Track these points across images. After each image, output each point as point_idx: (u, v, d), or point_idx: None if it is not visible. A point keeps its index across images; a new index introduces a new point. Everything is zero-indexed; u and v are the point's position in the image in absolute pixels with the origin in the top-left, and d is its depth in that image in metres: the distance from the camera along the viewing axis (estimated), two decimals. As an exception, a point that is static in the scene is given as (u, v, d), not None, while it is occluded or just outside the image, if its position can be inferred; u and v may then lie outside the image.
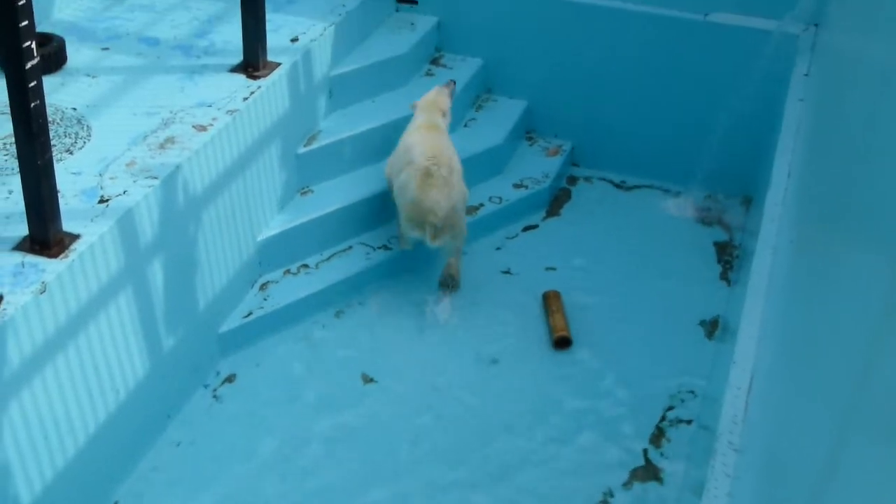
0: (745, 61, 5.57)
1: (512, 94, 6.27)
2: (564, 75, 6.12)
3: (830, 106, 3.87)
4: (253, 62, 5.02)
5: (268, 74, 4.99)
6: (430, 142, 5.03)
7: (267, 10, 5.07)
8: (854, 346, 2.07)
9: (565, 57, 6.06)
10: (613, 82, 6.04)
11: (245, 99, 4.79)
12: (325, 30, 5.47)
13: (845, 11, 4.30)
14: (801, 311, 3.06)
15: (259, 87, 4.89)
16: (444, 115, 5.28)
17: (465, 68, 6.10)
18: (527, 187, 5.85)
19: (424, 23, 6.16)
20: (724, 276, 5.49)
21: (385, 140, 5.52)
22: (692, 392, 4.74)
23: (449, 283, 5.23)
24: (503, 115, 6.12)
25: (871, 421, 1.81)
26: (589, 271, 5.47)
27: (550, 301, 5.14)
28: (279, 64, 5.08)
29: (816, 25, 5.55)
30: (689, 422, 4.59)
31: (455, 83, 5.53)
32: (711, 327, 5.14)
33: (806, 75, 5.16)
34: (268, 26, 5.09)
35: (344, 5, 5.76)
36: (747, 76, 5.55)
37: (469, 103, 6.12)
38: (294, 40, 5.35)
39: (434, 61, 6.21)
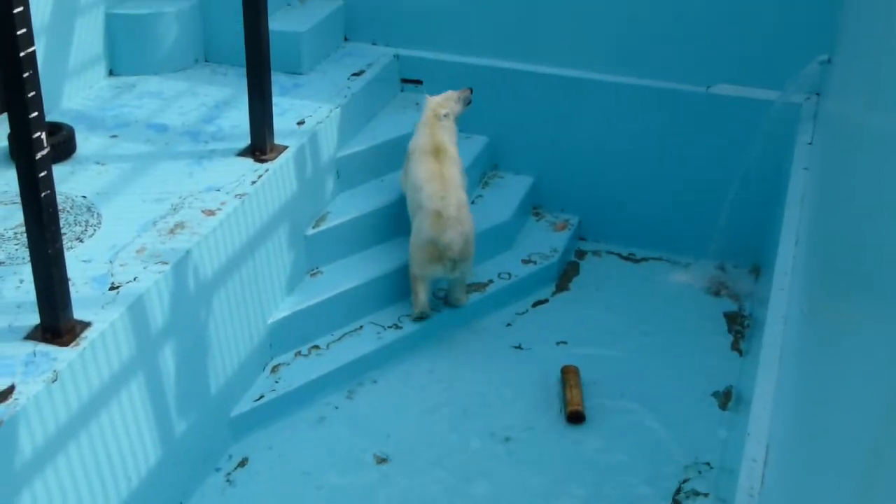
0: (748, 131, 5.62)
1: (518, 171, 6.31)
2: (569, 150, 6.17)
3: (836, 174, 3.88)
4: (260, 146, 5.06)
5: (275, 158, 5.03)
6: (436, 178, 5.17)
7: (273, 95, 5.14)
8: (869, 417, 2.05)
9: (570, 132, 6.12)
10: (619, 156, 6.09)
11: (253, 182, 4.83)
12: (330, 112, 5.53)
13: (846, 80, 4.33)
14: (814, 382, 3.04)
15: (267, 170, 4.93)
16: (445, 119, 5.39)
17: (470, 146, 6.14)
18: (535, 262, 5.86)
19: None
20: (735, 347, 5.46)
21: (394, 219, 5.57)
22: (708, 464, 4.69)
23: (455, 299, 5.40)
24: (510, 191, 6.16)
25: (888, 493, 1.78)
26: (600, 345, 5.45)
27: (568, 375, 5.11)
28: (286, 147, 5.13)
29: (818, 94, 5.60)
30: (705, 494, 4.53)
31: (472, 90, 5.58)
32: (725, 398, 5.10)
33: (810, 144, 5.19)
34: (274, 110, 5.15)
35: (349, 87, 5.83)
36: (752, 146, 5.60)
37: (476, 180, 6.15)
38: (300, 123, 5.41)
39: None
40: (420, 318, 5.33)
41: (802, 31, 5.57)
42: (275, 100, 5.21)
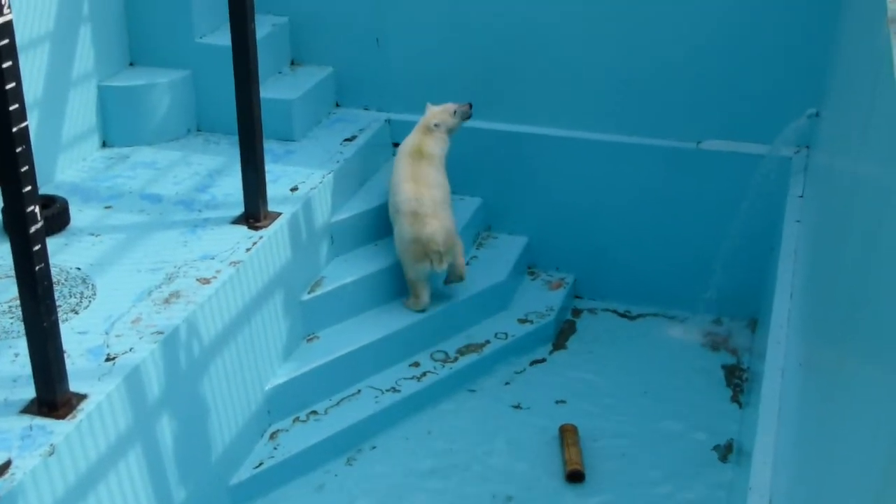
0: (740, 186, 5.62)
1: (512, 231, 6.32)
2: (563, 209, 6.18)
3: (828, 226, 3.89)
4: (254, 213, 5.07)
5: (269, 225, 5.04)
6: (412, 181, 5.38)
7: (266, 162, 5.15)
8: (871, 467, 2.04)
9: (563, 191, 6.14)
10: (613, 213, 6.10)
11: (248, 250, 4.83)
12: (323, 178, 5.54)
13: (836, 132, 4.36)
14: (814, 433, 3.02)
15: (261, 237, 4.93)
16: (436, 129, 5.52)
17: (464, 207, 6.15)
18: (532, 322, 5.85)
19: None
20: (734, 399, 5.43)
21: (389, 283, 5.57)
22: (712, 520, 4.65)
23: (455, 280, 5.57)
24: (504, 251, 6.16)
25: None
26: (599, 403, 5.42)
27: (566, 434, 5.08)
28: (280, 214, 5.14)
29: (808, 147, 5.63)
30: (711, 551, 4.48)
31: (471, 105, 5.67)
32: (726, 451, 5.06)
33: (801, 197, 5.20)
34: (267, 177, 5.16)
35: (341, 153, 5.85)
36: (744, 200, 5.61)
37: (470, 242, 6.16)
38: (294, 190, 5.42)
39: None
40: (422, 311, 5.49)
41: (790, 85, 5.61)
42: (268, 167, 5.22)
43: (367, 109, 6.39)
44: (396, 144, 6.27)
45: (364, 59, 6.29)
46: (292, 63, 6.41)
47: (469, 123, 5.81)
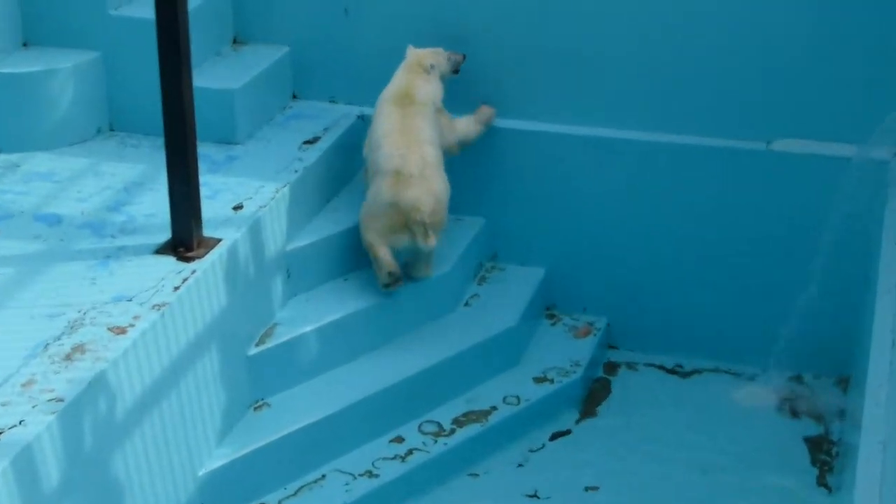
0: (822, 199, 5.68)
1: (524, 261, 6.32)
2: (592, 232, 6.19)
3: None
4: (184, 240, 5.03)
5: (204, 255, 5.01)
6: (396, 133, 5.56)
7: (201, 172, 5.11)
8: None
9: (592, 208, 6.15)
10: (656, 236, 6.11)
11: (176, 288, 4.80)
12: (277, 192, 5.52)
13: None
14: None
15: (194, 271, 4.90)
16: (426, 72, 5.78)
17: (462, 231, 6.16)
18: (552, 381, 5.84)
19: None
20: (821, 482, 5.40)
21: (364, 330, 5.57)
22: None
23: (421, 271, 5.72)
24: (515, 288, 6.16)
25: None
26: (644, 488, 5.38)
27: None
28: (219, 240, 5.10)
29: (912, 148, 5.66)
30: None
31: (465, 57, 5.95)
32: (812, 553, 5.04)
33: (903, 212, 5.22)
34: (203, 192, 5.13)
35: (300, 159, 5.84)
36: (827, 217, 5.64)
37: (470, 275, 6.17)
38: (237, 208, 5.40)
39: None
40: (390, 283, 5.55)
41: (885, 69, 5.64)
42: (203, 178, 5.20)
43: (333, 102, 6.41)
44: None
45: (329, 36, 6.30)
46: (235, 41, 6.41)
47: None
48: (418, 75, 5.78)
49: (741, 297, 6.08)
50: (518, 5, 6.05)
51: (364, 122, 6.23)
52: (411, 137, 5.57)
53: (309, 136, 6.09)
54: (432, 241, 5.51)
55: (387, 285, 5.56)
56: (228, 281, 5.10)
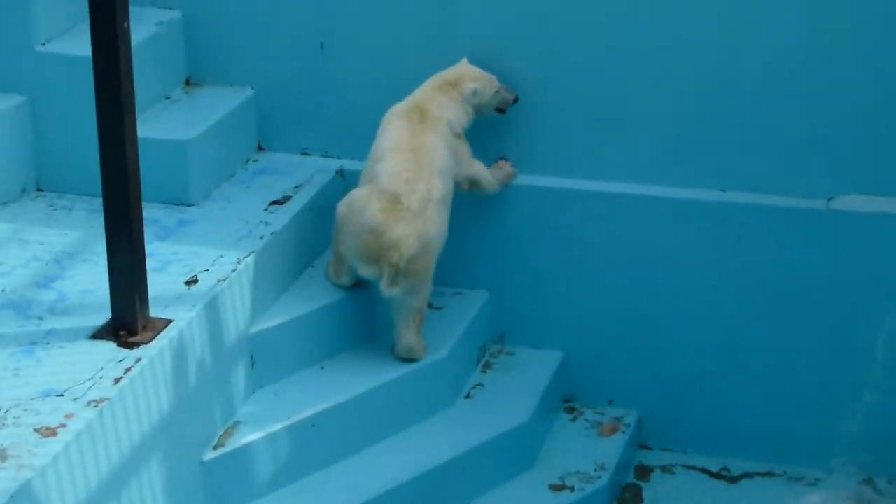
0: (893, 267, 5.75)
1: (538, 343, 6.30)
2: (617, 309, 6.19)
3: None
4: (127, 322, 4.96)
5: (151, 339, 4.93)
6: (406, 151, 5.61)
7: (147, 240, 5.06)
8: None
9: (616, 280, 6.15)
10: (696, 314, 6.11)
11: (117, 380, 4.71)
12: (238, 263, 5.47)
13: None
14: None
15: (138, 359, 4.82)
16: (467, 93, 5.83)
17: (461, 307, 6.15)
18: (572, 489, 5.77)
19: None
20: None
21: (345, 429, 5.54)
22: None
23: (402, 352, 5.74)
24: (527, 376, 6.14)
25: None
26: None
27: None
28: (169, 322, 5.03)
29: None
30: None
31: (517, 99, 5.97)
32: None
33: None
34: (149, 264, 5.07)
35: (267, 224, 5.80)
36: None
37: (472, 360, 6.14)
38: (191, 283, 5.33)
39: None
40: (339, 285, 5.83)
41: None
42: (151, 247, 5.19)
43: (306, 154, 6.40)
44: None
45: (302, 76, 6.32)
46: (188, 82, 6.43)
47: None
48: (446, 94, 5.83)
49: (798, 384, 6.07)
50: (530, 35, 6.08)
51: (344, 179, 6.25)
52: (422, 160, 5.61)
53: (277, 196, 6.06)
54: (393, 290, 5.50)
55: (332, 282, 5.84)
56: (180, 371, 5.05)
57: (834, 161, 5.84)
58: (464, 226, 6.04)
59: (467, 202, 6.02)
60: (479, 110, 5.90)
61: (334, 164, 6.28)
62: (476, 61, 6.03)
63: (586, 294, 6.19)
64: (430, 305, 5.83)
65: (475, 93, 5.82)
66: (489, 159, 6.06)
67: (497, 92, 5.90)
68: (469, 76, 5.86)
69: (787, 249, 5.92)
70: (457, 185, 5.84)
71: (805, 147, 5.86)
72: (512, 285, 6.27)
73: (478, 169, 5.94)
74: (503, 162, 6.09)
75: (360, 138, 6.07)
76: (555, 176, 6.12)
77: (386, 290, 5.51)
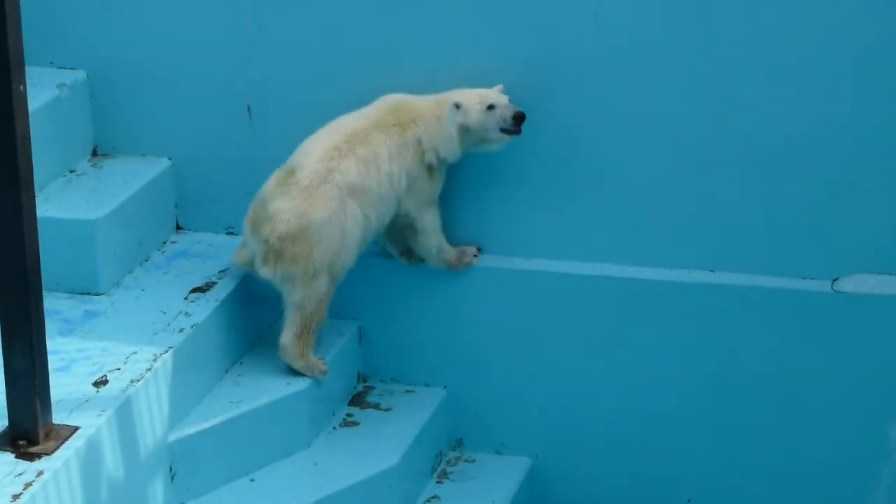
0: None
1: (502, 449, 6.35)
2: (594, 408, 6.22)
3: None
4: (26, 430, 4.91)
5: (55, 449, 4.89)
6: (340, 133, 5.80)
7: (49, 335, 5.01)
8: None
9: (598, 371, 6.20)
10: (681, 414, 6.15)
11: (16, 497, 4.67)
12: (155, 361, 5.45)
13: None
14: None
15: (40, 472, 4.78)
16: (443, 119, 5.83)
17: (413, 408, 6.16)
18: None
19: (336, 333, 6.24)
20: None
21: None
22: None
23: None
24: (489, 486, 6.15)
25: None
26: None
27: None
28: (75, 429, 4.99)
29: None
30: None
31: (524, 117, 5.78)
32: None
33: None
34: (52, 363, 5.03)
35: (187, 314, 5.79)
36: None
37: (427, 469, 6.16)
38: (100, 384, 5.30)
39: (357, 398, 6.26)
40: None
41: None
42: (53, 343, 5.19)
43: (232, 234, 6.41)
44: None
45: (226, 144, 6.36)
46: (95, 153, 6.45)
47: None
48: (434, 113, 5.86)
49: (796, 497, 6.13)
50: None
51: None
52: (349, 145, 5.76)
53: (199, 282, 6.06)
54: (266, 270, 5.73)
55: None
56: (88, 485, 5.00)
57: (838, 237, 5.90)
58: (415, 311, 6.12)
59: (420, 280, 6.10)
60: (476, 135, 5.84)
61: (260, 248, 6.29)
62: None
63: (557, 391, 6.20)
64: (311, 317, 5.82)
65: (458, 108, 5.78)
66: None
67: (490, 108, 5.79)
68: (450, 97, 5.87)
69: (785, 338, 5.97)
70: (394, 225, 5.93)
71: (805, 223, 5.92)
72: (471, 382, 6.29)
73: (428, 219, 5.96)
74: (470, 248, 6.10)
75: (296, 216, 6.13)
76: (518, 256, 6.17)
77: (259, 268, 5.72)
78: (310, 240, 5.66)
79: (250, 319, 6.11)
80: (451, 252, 6.05)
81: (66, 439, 4.93)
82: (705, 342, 6.05)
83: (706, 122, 5.90)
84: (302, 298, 5.73)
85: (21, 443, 4.89)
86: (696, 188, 5.97)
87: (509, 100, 5.79)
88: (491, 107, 5.79)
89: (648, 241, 6.06)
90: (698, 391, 6.11)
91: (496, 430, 6.31)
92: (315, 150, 5.74)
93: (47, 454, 4.85)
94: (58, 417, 5.00)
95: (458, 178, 6.11)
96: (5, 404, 4.95)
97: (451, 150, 5.84)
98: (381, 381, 6.30)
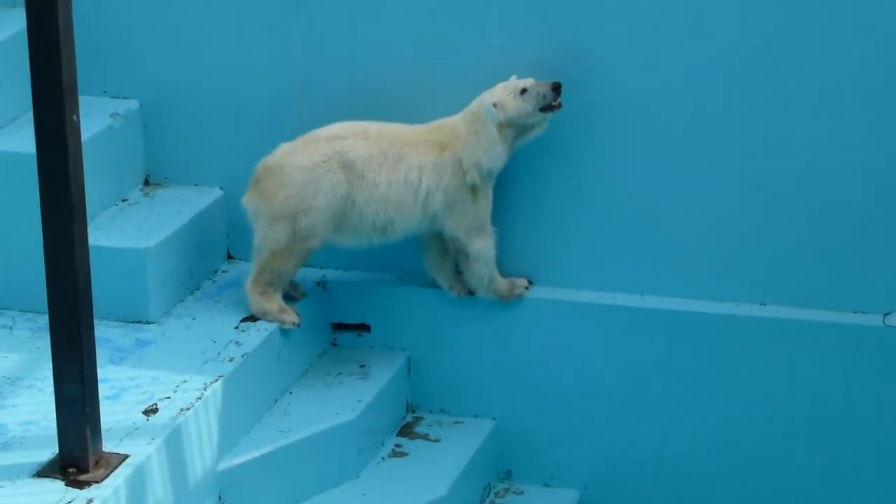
0: None
1: (551, 481, 6.32)
2: (644, 441, 6.21)
3: None
4: (76, 457, 4.92)
5: (104, 477, 4.90)
6: (382, 126, 5.96)
7: (100, 363, 5.04)
8: None
9: (645, 408, 6.18)
10: (735, 449, 6.11)
11: None
12: (205, 389, 5.46)
13: None
14: None
15: (90, 500, 4.79)
16: (482, 131, 5.80)
17: (461, 439, 6.15)
18: None
19: (385, 364, 6.23)
20: None
21: None
22: None
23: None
24: None
25: None
26: None
27: None
28: (124, 457, 5.00)
29: None
30: None
31: (560, 87, 5.75)
32: None
33: None
34: (103, 391, 5.05)
35: (238, 344, 5.80)
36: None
37: (474, 502, 6.13)
38: (150, 412, 5.32)
39: (405, 429, 6.24)
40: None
41: None
42: (104, 372, 5.19)
43: None
44: (339, 325, 6.37)
45: None
46: (147, 182, 6.46)
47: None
48: (471, 128, 5.86)
49: None
50: (545, 136, 6.03)
51: (326, 291, 6.30)
52: (374, 133, 5.92)
53: (249, 312, 6.01)
54: (244, 199, 5.88)
55: None
56: None
57: (890, 271, 5.87)
58: (465, 342, 6.12)
59: (469, 311, 6.11)
60: (519, 125, 5.80)
61: (315, 274, 6.29)
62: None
63: (606, 423, 6.18)
64: (296, 293, 6.06)
65: (496, 108, 5.75)
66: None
67: (523, 91, 5.75)
68: (483, 99, 5.84)
69: (835, 372, 5.93)
70: (446, 252, 6.00)
71: (857, 256, 5.89)
72: (520, 413, 6.27)
73: (480, 245, 5.93)
74: (521, 280, 6.09)
75: (345, 250, 6.13)
76: (567, 287, 6.17)
77: (249, 197, 5.88)
78: (281, 179, 5.77)
79: (300, 349, 6.11)
80: (502, 283, 6.02)
81: (116, 467, 4.94)
82: (755, 376, 6.02)
83: (757, 155, 5.88)
84: (260, 241, 5.85)
85: (71, 470, 4.90)
86: (746, 221, 5.95)
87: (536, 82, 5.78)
88: (524, 90, 5.75)
89: (698, 274, 6.05)
90: (747, 424, 6.07)
91: (545, 462, 6.29)
92: (348, 124, 5.90)
93: (97, 482, 4.86)
94: (108, 445, 5.02)
95: (509, 209, 6.11)
96: (55, 431, 4.95)
97: (496, 155, 5.79)
98: (429, 411, 6.30)
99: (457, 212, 5.85)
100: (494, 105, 5.73)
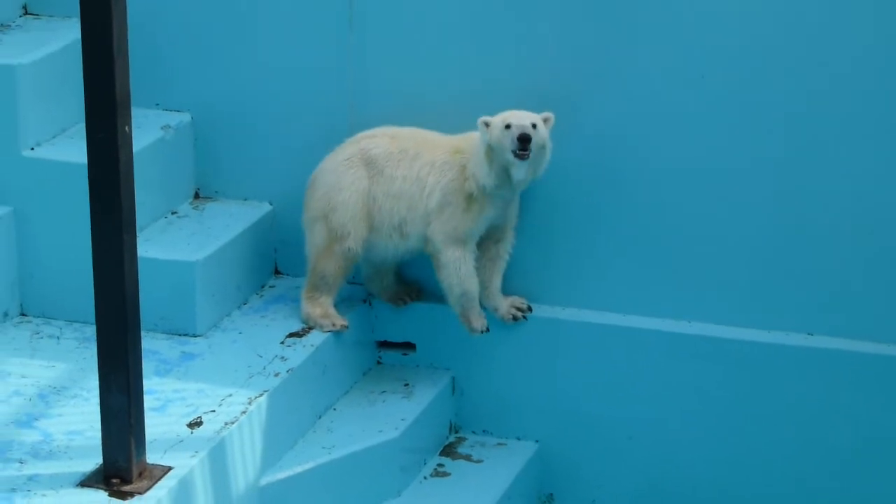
0: None
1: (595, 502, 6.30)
2: (691, 469, 6.18)
3: None
4: (121, 468, 4.94)
5: (147, 489, 4.91)
6: (417, 130, 6.05)
7: (146, 374, 5.05)
8: None
9: (691, 435, 6.16)
10: (781, 479, 6.09)
11: None
12: (250, 404, 5.47)
13: None
14: None
15: None
16: (485, 127, 5.75)
17: (503, 461, 6.13)
18: None
19: (429, 383, 6.23)
20: None
21: None
22: None
23: None
24: None
25: None
26: None
27: None
28: (168, 469, 5.01)
29: None
30: None
31: (526, 139, 5.61)
32: None
33: None
34: (148, 402, 5.06)
35: (283, 359, 5.80)
36: None
37: None
38: (194, 425, 5.32)
39: (448, 449, 6.23)
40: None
41: None
42: (150, 383, 5.22)
43: None
44: (384, 343, 6.36)
45: None
46: (197, 196, 6.49)
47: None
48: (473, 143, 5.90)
49: None
50: (587, 160, 6.07)
51: (373, 308, 6.28)
52: (404, 135, 6.04)
53: (296, 328, 6.06)
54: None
55: None
56: None
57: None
58: (509, 363, 6.10)
59: (514, 333, 6.09)
60: (498, 156, 5.67)
61: (361, 291, 6.29)
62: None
63: (650, 449, 6.17)
64: (319, 283, 5.97)
65: (487, 126, 5.70)
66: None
67: (507, 127, 5.62)
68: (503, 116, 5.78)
69: (883, 404, 5.91)
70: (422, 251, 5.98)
71: (889, 277, 5.87)
72: (563, 436, 6.26)
73: (454, 254, 5.86)
74: (520, 300, 6.09)
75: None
76: (613, 312, 6.15)
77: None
78: (314, 184, 6.02)
79: (344, 366, 6.12)
80: (472, 310, 5.96)
81: (159, 479, 4.95)
82: (801, 405, 5.99)
83: (804, 183, 5.86)
84: (307, 247, 6.04)
85: (114, 481, 4.91)
86: (795, 250, 5.93)
87: (541, 123, 5.67)
88: (508, 126, 5.62)
89: (746, 302, 6.02)
90: (791, 454, 6.04)
91: (588, 486, 6.27)
92: (385, 127, 6.04)
93: (140, 493, 4.87)
94: (151, 457, 5.03)
95: (556, 233, 6.13)
96: (100, 442, 4.96)
97: (483, 173, 5.73)
98: (472, 432, 6.29)
99: (446, 214, 5.83)
100: (487, 124, 5.70)
